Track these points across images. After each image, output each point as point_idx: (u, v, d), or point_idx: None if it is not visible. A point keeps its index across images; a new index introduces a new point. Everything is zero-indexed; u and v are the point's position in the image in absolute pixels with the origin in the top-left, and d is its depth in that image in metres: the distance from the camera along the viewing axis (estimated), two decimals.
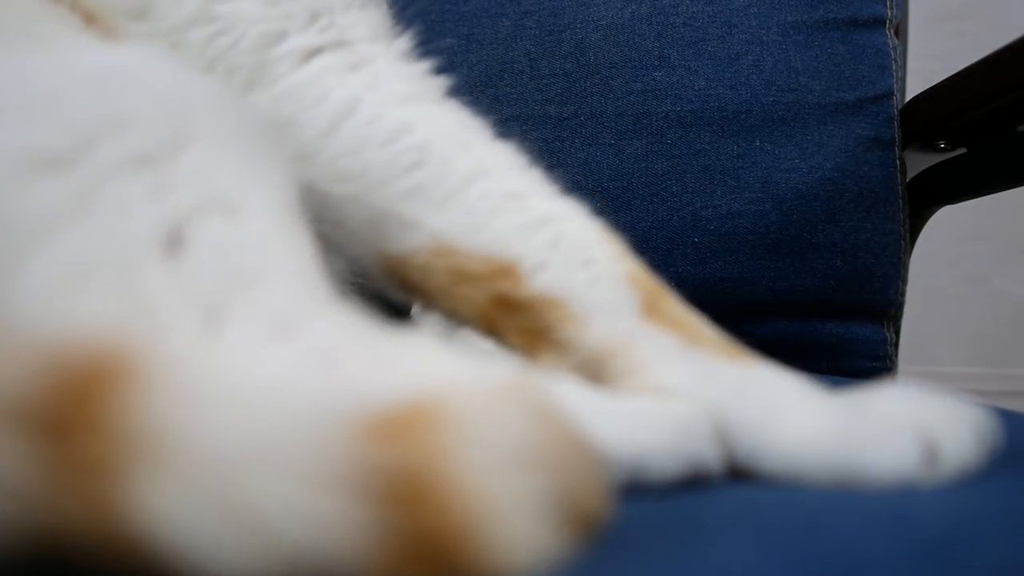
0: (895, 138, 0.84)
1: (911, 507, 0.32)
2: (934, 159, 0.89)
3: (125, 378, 0.23)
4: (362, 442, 0.22)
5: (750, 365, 0.42)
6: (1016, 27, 0.74)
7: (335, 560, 0.21)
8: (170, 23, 0.44)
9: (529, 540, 0.23)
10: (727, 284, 0.83)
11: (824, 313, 0.84)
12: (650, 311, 0.43)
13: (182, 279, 0.30)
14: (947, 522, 0.30)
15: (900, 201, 0.84)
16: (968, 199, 0.88)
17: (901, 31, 0.90)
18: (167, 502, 0.21)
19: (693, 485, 0.35)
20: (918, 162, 0.88)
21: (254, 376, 0.26)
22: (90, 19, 0.42)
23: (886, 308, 0.85)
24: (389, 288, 0.45)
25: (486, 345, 0.44)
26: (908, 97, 0.88)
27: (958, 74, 0.79)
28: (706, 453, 0.36)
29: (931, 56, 1.16)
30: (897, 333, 0.86)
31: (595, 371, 0.40)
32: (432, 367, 0.27)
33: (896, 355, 0.86)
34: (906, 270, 0.85)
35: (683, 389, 0.39)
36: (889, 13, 0.87)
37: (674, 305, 0.44)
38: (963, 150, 0.86)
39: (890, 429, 0.35)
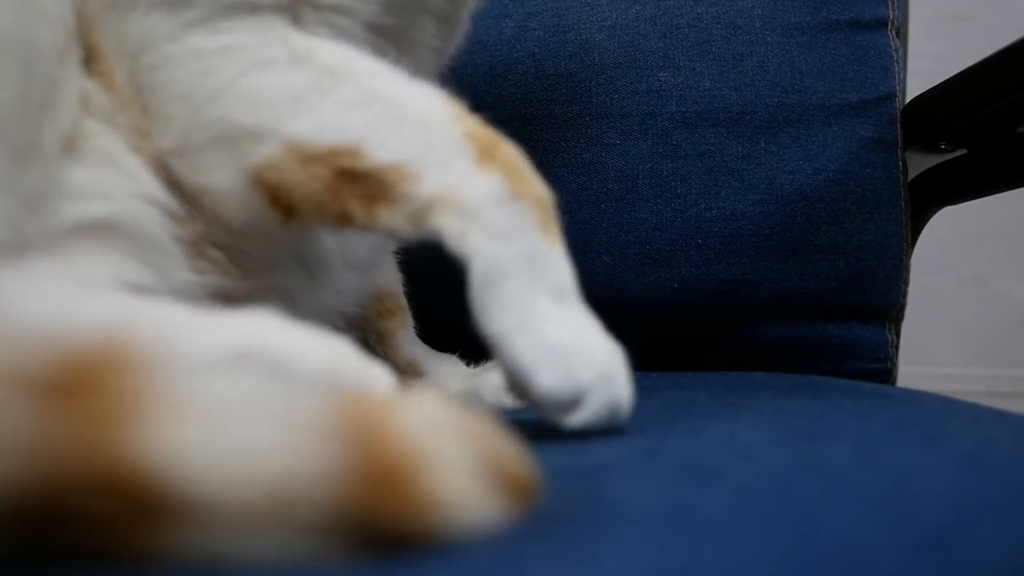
0: (897, 139, 0.85)
1: (909, 498, 0.32)
2: (934, 160, 0.89)
3: (125, 357, 0.28)
4: (333, 402, 0.28)
5: (551, 243, 0.46)
6: (1016, 28, 0.74)
7: (307, 485, 0.26)
8: None
9: (457, 486, 0.28)
10: (730, 286, 0.83)
11: (826, 315, 0.84)
12: (485, 158, 0.46)
13: None
14: (945, 513, 0.31)
15: (902, 202, 0.85)
16: (968, 200, 0.89)
17: (902, 32, 0.91)
18: (177, 443, 0.25)
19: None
20: (918, 163, 0.89)
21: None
22: None
23: (888, 309, 0.85)
24: (260, 216, 0.49)
25: None
26: (908, 98, 0.88)
27: (959, 75, 0.79)
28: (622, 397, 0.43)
29: (931, 57, 1.16)
30: (898, 334, 0.87)
31: (423, 218, 0.45)
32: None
33: (897, 356, 0.87)
34: (907, 271, 0.85)
35: (484, 238, 0.44)
36: (891, 14, 0.87)
37: (509, 152, 0.47)
38: (963, 151, 0.86)
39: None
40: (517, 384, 0.44)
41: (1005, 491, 0.34)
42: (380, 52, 0.52)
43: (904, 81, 0.88)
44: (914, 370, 1.18)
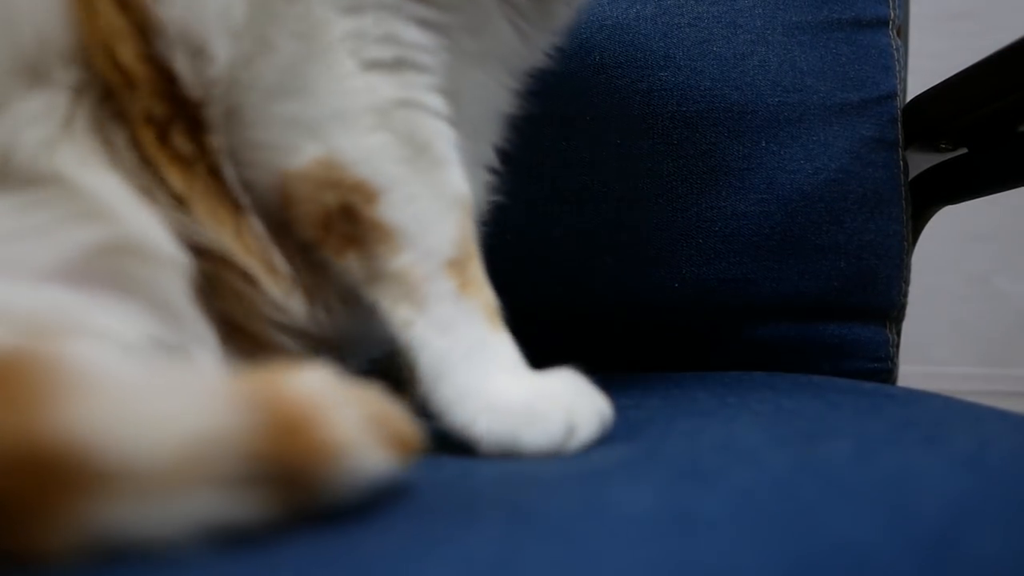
0: (898, 138, 0.84)
1: (910, 499, 0.32)
2: (935, 159, 0.89)
3: (38, 347, 0.30)
4: (232, 374, 0.32)
5: (494, 334, 0.49)
6: (1017, 27, 0.74)
7: (217, 441, 0.29)
8: None
9: (348, 436, 0.32)
10: (731, 285, 0.83)
11: (827, 315, 0.84)
12: (460, 276, 0.49)
13: None
14: (945, 514, 0.31)
15: (903, 202, 0.84)
16: (969, 199, 0.89)
17: (902, 31, 0.91)
18: (93, 416, 0.27)
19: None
20: (919, 162, 0.88)
21: None
22: None
23: (889, 309, 0.85)
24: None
25: None
26: (909, 97, 0.88)
27: (959, 74, 0.79)
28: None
29: (931, 56, 1.16)
30: (899, 334, 0.87)
31: (377, 284, 0.48)
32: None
33: (897, 356, 0.87)
34: (908, 271, 0.85)
35: (432, 331, 0.48)
36: (892, 13, 0.87)
37: (476, 268, 0.50)
38: (964, 150, 0.86)
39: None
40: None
41: (1005, 491, 0.34)
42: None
43: (905, 80, 0.88)
44: (915, 369, 1.18)
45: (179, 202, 0.48)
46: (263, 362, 0.36)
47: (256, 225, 0.50)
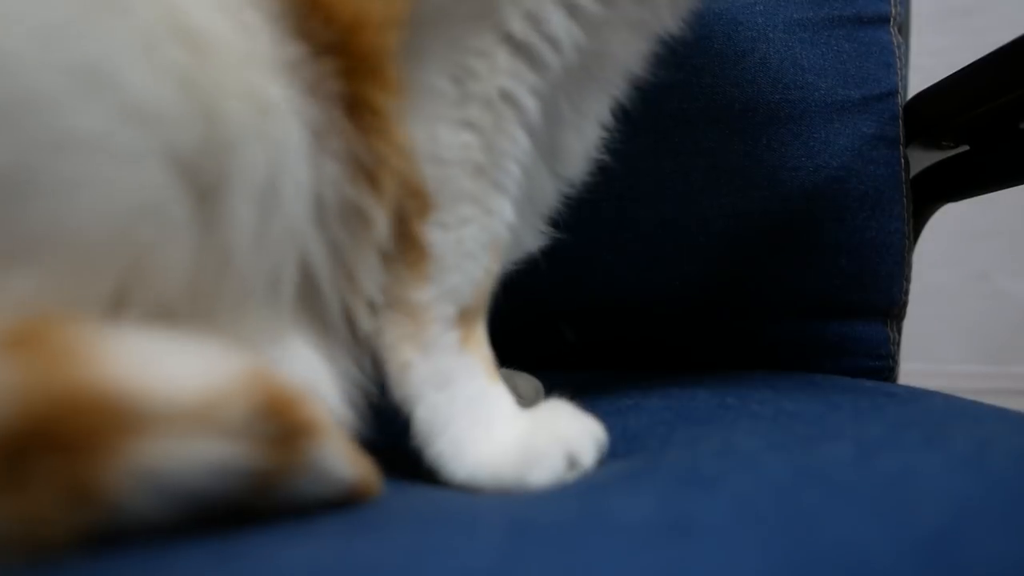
0: (899, 136, 0.84)
1: (910, 500, 0.32)
2: (937, 157, 0.89)
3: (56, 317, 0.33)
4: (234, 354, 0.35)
5: (492, 386, 0.49)
6: (1019, 24, 0.74)
7: (225, 397, 0.33)
8: None
9: (328, 422, 0.37)
10: (732, 283, 0.83)
11: (828, 313, 0.84)
12: (465, 328, 0.49)
13: None
14: (945, 516, 0.31)
15: (904, 199, 0.84)
16: (971, 197, 0.89)
17: (904, 28, 0.90)
18: (130, 369, 0.32)
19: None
20: (921, 160, 0.88)
21: None
22: None
23: (890, 307, 0.85)
24: None
25: None
26: (910, 94, 0.88)
27: (961, 71, 0.79)
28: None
29: (933, 53, 1.16)
30: (900, 332, 0.86)
31: (388, 312, 0.48)
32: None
33: (898, 353, 0.87)
34: (909, 269, 0.85)
35: (429, 383, 0.48)
36: (893, 10, 0.87)
37: (480, 326, 0.51)
38: (965, 148, 0.86)
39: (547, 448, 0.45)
40: None
41: (1005, 492, 0.34)
42: None
43: (906, 77, 0.88)
44: (916, 367, 1.18)
45: None
46: None
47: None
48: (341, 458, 0.37)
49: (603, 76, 0.56)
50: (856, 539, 0.29)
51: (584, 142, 0.58)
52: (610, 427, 0.48)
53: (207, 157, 0.38)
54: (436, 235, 0.47)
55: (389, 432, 0.46)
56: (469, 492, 0.44)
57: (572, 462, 0.44)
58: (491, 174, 0.49)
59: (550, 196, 0.60)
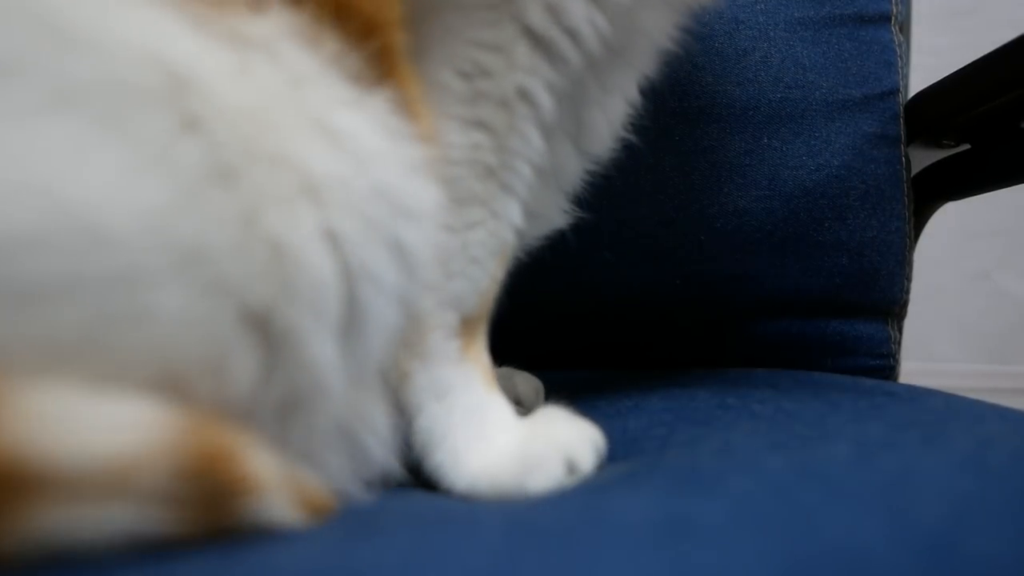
0: (900, 135, 0.84)
1: (909, 500, 0.32)
2: (938, 156, 0.89)
3: None
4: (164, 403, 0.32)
5: (490, 395, 0.48)
6: (1019, 23, 0.74)
7: (144, 458, 0.30)
8: None
9: (267, 476, 0.33)
10: (733, 282, 0.83)
11: (829, 311, 0.84)
12: (467, 336, 0.48)
13: None
14: (945, 515, 0.31)
15: (905, 198, 0.84)
16: (971, 196, 0.89)
17: (905, 27, 0.90)
18: (38, 430, 0.29)
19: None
20: (922, 159, 0.88)
21: None
22: None
23: (891, 306, 0.85)
24: None
25: None
26: (911, 93, 0.88)
27: (962, 70, 0.79)
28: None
29: (934, 52, 1.16)
30: (900, 331, 0.86)
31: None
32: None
33: (899, 352, 0.87)
34: (910, 267, 0.85)
35: (429, 397, 0.47)
36: (894, 9, 0.87)
37: (482, 333, 0.50)
38: (966, 146, 0.86)
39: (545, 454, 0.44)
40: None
41: (1005, 491, 0.34)
42: None
43: (907, 76, 0.88)
44: (916, 366, 1.18)
45: None
46: None
47: None
48: (283, 508, 0.34)
49: (631, 52, 0.54)
50: (856, 538, 0.29)
51: (610, 118, 0.56)
52: (610, 428, 0.47)
53: (284, 317, 0.36)
54: (441, 239, 0.46)
55: None
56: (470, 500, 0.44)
57: (571, 468, 0.44)
58: (501, 176, 0.47)
59: (574, 173, 0.58)
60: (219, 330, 0.34)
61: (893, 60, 0.85)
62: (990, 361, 1.72)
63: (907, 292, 0.85)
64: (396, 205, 0.39)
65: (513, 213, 0.49)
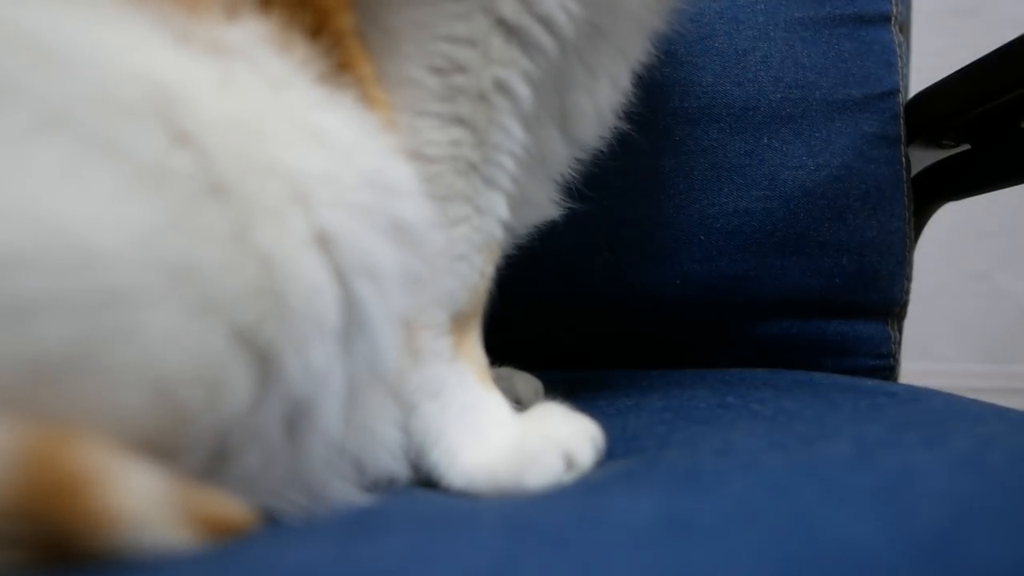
0: (901, 135, 0.84)
1: (909, 500, 0.32)
2: (938, 156, 0.89)
3: None
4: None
5: (485, 392, 0.48)
6: (1020, 23, 0.74)
7: None
8: None
9: (134, 505, 0.30)
10: (733, 282, 0.83)
11: (829, 311, 0.84)
12: (459, 332, 0.48)
13: None
14: (945, 515, 0.31)
15: (905, 199, 0.84)
16: (971, 196, 0.89)
17: (905, 28, 0.90)
18: None
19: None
20: (922, 159, 0.88)
21: None
22: None
23: (891, 306, 0.85)
24: None
25: None
26: (911, 94, 0.88)
27: (962, 71, 0.79)
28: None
29: (934, 52, 1.16)
30: (901, 331, 0.86)
31: None
32: None
33: (899, 353, 0.87)
34: (910, 268, 0.85)
35: (423, 396, 0.46)
36: (894, 10, 0.87)
37: (475, 328, 0.50)
38: (966, 147, 0.86)
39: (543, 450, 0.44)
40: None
41: (1005, 491, 0.34)
42: None
43: (907, 77, 0.88)
44: (917, 366, 1.18)
45: None
46: None
47: None
48: (164, 532, 0.31)
49: (616, 35, 0.53)
50: (855, 538, 0.29)
51: (598, 104, 0.55)
52: (609, 427, 0.47)
53: (277, 330, 0.36)
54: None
55: None
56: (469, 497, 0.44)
57: (569, 463, 0.44)
58: (483, 171, 0.47)
59: (563, 160, 0.57)
60: (212, 348, 0.34)
61: (893, 60, 0.85)
62: (990, 361, 1.72)
63: (907, 292, 0.85)
64: (383, 186, 0.39)
65: (498, 207, 0.48)
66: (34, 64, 0.33)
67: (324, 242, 0.37)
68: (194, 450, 0.35)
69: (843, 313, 0.84)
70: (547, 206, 0.58)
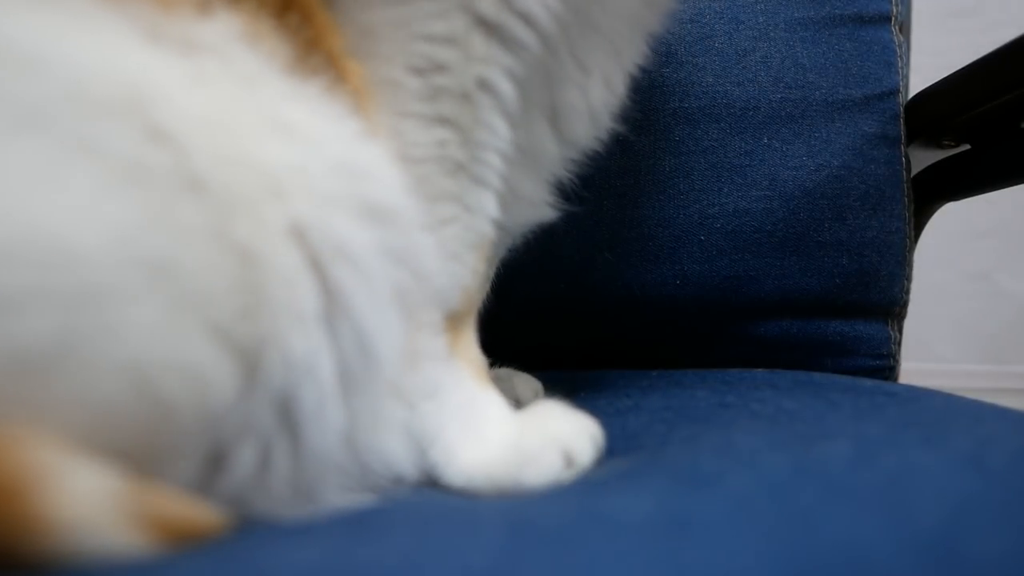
0: (901, 135, 0.84)
1: (909, 499, 0.32)
2: (938, 156, 0.89)
3: None
4: None
5: (482, 391, 0.48)
6: (1020, 23, 0.74)
7: None
8: None
9: (79, 511, 0.29)
10: (733, 282, 0.83)
11: (829, 311, 0.84)
12: (453, 331, 0.48)
13: None
14: (945, 514, 0.31)
15: (905, 199, 0.84)
16: (971, 196, 0.89)
17: (905, 28, 0.90)
18: None
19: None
20: (922, 159, 0.88)
21: None
22: None
23: (891, 306, 0.85)
24: None
25: None
26: (911, 94, 0.88)
27: (962, 71, 0.79)
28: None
29: (934, 53, 1.16)
30: (900, 331, 0.86)
31: None
32: None
33: (899, 353, 0.87)
34: (910, 268, 0.85)
35: (420, 396, 0.46)
36: (894, 10, 0.87)
37: (470, 327, 0.50)
38: (966, 147, 0.86)
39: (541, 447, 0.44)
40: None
41: (1005, 491, 0.34)
42: None
43: (907, 77, 0.88)
44: (916, 366, 1.18)
45: None
46: None
47: None
48: (112, 536, 0.30)
49: (607, 28, 0.52)
50: (855, 538, 0.29)
51: (591, 102, 0.54)
52: (609, 426, 0.47)
53: (256, 321, 0.36)
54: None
55: None
56: (469, 495, 0.44)
57: (569, 461, 0.44)
58: (471, 169, 0.47)
59: (555, 160, 0.56)
60: (192, 342, 0.34)
61: (893, 60, 0.85)
62: (990, 361, 1.72)
63: (907, 292, 0.85)
64: (353, 171, 0.40)
65: (488, 206, 0.48)
66: (8, 65, 0.33)
67: (298, 232, 0.37)
68: (187, 451, 0.35)
69: (843, 313, 0.84)
70: (541, 206, 0.58)
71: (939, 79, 0.83)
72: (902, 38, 0.87)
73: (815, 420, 0.50)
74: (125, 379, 0.32)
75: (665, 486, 0.36)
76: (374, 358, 0.40)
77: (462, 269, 0.48)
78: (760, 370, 0.76)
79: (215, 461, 0.36)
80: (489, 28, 0.45)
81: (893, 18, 0.87)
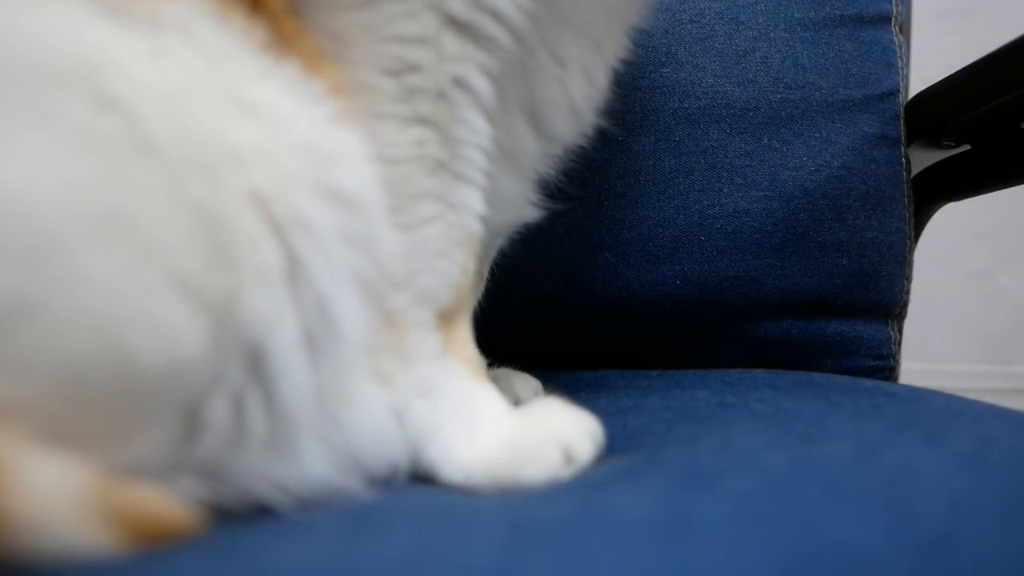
0: (901, 135, 0.84)
1: (910, 499, 0.32)
2: (938, 156, 0.89)
3: None
4: None
5: (478, 388, 0.48)
6: (1020, 24, 0.74)
7: None
8: None
9: (44, 508, 0.30)
10: (733, 283, 0.83)
11: (829, 312, 0.84)
12: (446, 329, 0.48)
13: None
14: (945, 514, 0.31)
15: (905, 199, 0.84)
16: (971, 196, 0.89)
17: (905, 28, 0.90)
18: None
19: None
20: (922, 159, 0.88)
21: None
22: None
23: (891, 307, 0.85)
24: None
25: None
26: (911, 94, 0.88)
27: (962, 71, 0.79)
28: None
29: (934, 53, 1.16)
30: (900, 331, 0.86)
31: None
32: None
33: (899, 353, 0.87)
34: (910, 268, 0.85)
35: (414, 395, 0.46)
36: (894, 10, 0.87)
37: (463, 324, 0.50)
38: (967, 147, 0.86)
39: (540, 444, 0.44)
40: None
41: (1005, 491, 0.34)
42: None
43: (907, 77, 0.88)
44: (916, 367, 1.18)
45: None
46: None
47: None
48: (78, 533, 0.30)
49: (582, 20, 0.52)
50: (855, 537, 0.29)
51: (571, 97, 0.54)
52: (610, 426, 0.47)
53: (218, 276, 0.37)
54: (399, 238, 0.45)
55: None
56: (468, 493, 0.44)
57: (568, 457, 0.43)
58: (453, 167, 0.47)
59: (536, 157, 0.56)
60: (156, 295, 0.35)
61: (893, 60, 0.85)
62: (990, 361, 1.72)
63: (907, 292, 0.85)
64: (318, 155, 0.41)
65: (472, 202, 0.48)
66: None
67: (257, 200, 0.38)
68: (161, 408, 0.36)
69: (843, 313, 0.84)
70: (524, 205, 0.58)
71: (939, 79, 0.83)
72: (902, 38, 0.87)
73: (815, 420, 0.50)
74: (90, 332, 0.33)
75: (665, 485, 0.36)
76: (336, 328, 0.41)
77: (450, 266, 0.48)
78: (760, 370, 0.76)
79: (190, 421, 0.37)
80: (459, 26, 0.45)
81: (893, 18, 0.87)
